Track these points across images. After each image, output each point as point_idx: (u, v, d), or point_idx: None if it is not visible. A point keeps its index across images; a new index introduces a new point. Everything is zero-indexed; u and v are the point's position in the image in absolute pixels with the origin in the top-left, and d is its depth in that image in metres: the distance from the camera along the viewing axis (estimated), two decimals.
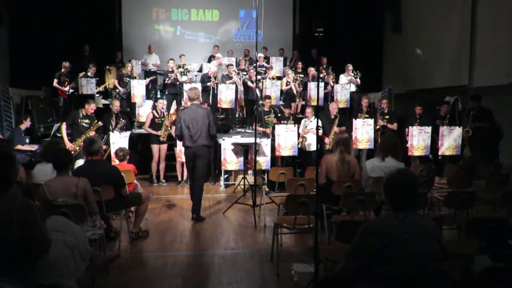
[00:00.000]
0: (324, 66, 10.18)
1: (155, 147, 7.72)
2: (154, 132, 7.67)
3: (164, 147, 7.80)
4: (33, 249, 2.41)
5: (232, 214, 6.00)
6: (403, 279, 2.11)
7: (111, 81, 9.23)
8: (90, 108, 7.14)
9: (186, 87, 9.00)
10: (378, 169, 4.34)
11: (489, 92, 7.81)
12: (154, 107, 7.95)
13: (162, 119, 7.79)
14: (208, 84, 9.14)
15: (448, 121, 8.04)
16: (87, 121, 7.13)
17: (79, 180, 3.73)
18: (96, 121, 7.17)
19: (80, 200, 3.66)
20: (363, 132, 7.51)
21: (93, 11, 10.84)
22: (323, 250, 3.42)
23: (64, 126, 7.22)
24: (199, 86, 9.10)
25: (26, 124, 7.62)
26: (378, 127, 8.01)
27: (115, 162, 6.00)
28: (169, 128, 7.78)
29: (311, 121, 7.75)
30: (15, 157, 2.58)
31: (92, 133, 6.92)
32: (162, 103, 8.03)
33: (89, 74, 9.02)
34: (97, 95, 8.98)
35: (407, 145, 7.44)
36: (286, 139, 6.97)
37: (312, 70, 9.81)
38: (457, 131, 7.27)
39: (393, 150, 4.39)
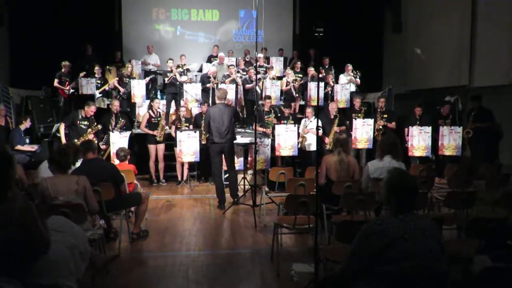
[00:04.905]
0: (326, 66, 10.18)
1: (151, 147, 7.72)
2: (150, 132, 7.67)
3: (161, 147, 7.79)
4: (32, 249, 2.41)
5: (232, 214, 6.00)
6: (404, 279, 2.12)
7: (111, 81, 9.23)
8: (90, 110, 7.11)
9: (186, 87, 9.00)
10: (379, 169, 4.34)
11: (489, 92, 7.81)
12: (150, 107, 7.95)
13: (159, 119, 7.79)
14: (208, 85, 9.15)
15: (450, 121, 8.02)
16: (86, 123, 7.11)
17: (79, 178, 3.77)
18: (95, 124, 7.15)
19: (80, 197, 3.67)
20: (363, 132, 7.52)
21: (93, 11, 10.83)
22: (323, 250, 3.41)
23: (62, 126, 7.21)
24: (198, 86, 9.11)
25: (26, 124, 7.59)
26: (380, 127, 8.01)
27: (116, 162, 6.00)
28: (165, 128, 7.76)
29: (311, 121, 7.75)
30: (14, 158, 2.58)
31: (90, 136, 6.88)
32: (158, 103, 8.03)
33: (96, 75, 9.02)
34: (99, 95, 8.97)
35: (406, 145, 7.45)
36: (286, 139, 6.99)
37: (312, 70, 9.80)
38: (459, 131, 7.27)
39: (392, 150, 4.40)
